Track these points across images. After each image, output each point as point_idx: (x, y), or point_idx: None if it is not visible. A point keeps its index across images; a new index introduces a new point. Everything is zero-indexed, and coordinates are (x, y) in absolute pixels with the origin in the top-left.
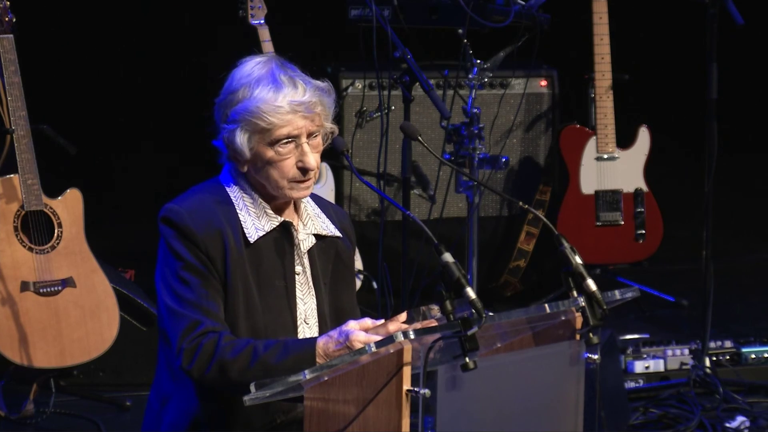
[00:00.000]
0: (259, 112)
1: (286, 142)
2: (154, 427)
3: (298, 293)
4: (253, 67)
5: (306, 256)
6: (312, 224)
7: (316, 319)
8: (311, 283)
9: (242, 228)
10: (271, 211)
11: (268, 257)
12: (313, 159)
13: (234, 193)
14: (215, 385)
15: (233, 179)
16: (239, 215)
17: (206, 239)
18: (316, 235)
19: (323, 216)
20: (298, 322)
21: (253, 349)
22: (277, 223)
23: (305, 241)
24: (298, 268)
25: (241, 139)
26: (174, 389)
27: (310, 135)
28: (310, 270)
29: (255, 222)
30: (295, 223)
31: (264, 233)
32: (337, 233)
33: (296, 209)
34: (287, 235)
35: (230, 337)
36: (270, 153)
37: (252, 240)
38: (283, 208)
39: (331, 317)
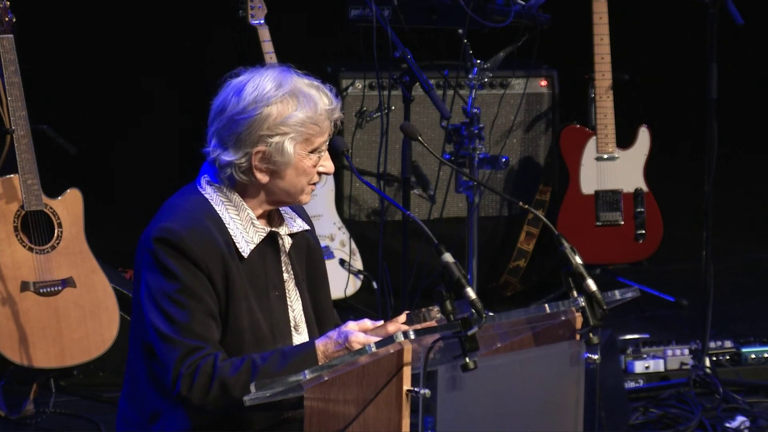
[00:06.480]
0: (309, 120)
1: (321, 149)
2: None
3: (288, 300)
4: (273, 78)
5: (289, 259)
6: (285, 226)
7: (305, 322)
8: (296, 286)
9: (234, 243)
10: (257, 222)
11: (261, 269)
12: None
13: (218, 206)
14: (219, 406)
15: (217, 190)
16: (228, 229)
17: (206, 258)
18: (290, 235)
19: (290, 211)
20: (291, 330)
21: (251, 362)
22: (265, 234)
23: (286, 245)
24: (285, 275)
25: (290, 149)
26: (166, 407)
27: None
28: (293, 272)
29: (244, 235)
30: (280, 230)
31: (254, 245)
32: (306, 226)
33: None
34: (273, 243)
35: (225, 356)
36: (309, 160)
37: (245, 254)
38: (269, 215)
39: (314, 314)
